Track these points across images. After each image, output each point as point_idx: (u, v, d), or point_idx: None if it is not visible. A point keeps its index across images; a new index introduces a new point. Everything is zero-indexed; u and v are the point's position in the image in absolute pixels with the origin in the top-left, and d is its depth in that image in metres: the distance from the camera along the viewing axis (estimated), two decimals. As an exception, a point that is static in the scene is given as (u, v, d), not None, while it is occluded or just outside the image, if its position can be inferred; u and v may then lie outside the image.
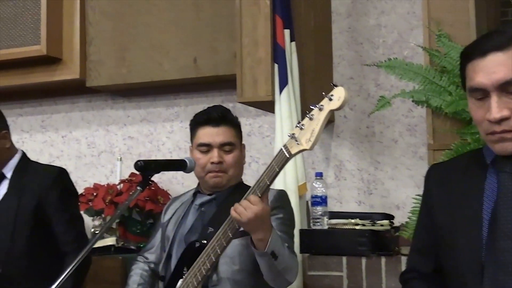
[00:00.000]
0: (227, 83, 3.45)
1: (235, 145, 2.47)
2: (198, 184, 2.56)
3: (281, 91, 2.93)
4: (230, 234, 2.15)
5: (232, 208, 2.11)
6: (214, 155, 2.42)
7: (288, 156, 2.01)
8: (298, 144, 1.97)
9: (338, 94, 1.90)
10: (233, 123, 2.51)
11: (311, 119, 1.95)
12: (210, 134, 2.44)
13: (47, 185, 2.73)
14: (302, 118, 2.00)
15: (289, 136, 2.01)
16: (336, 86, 1.92)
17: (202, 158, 2.43)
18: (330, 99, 1.91)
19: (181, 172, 3.62)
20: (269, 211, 2.14)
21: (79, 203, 3.09)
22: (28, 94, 4.03)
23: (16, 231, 2.68)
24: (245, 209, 2.07)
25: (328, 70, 3.43)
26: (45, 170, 2.84)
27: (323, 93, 1.94)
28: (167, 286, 2.36)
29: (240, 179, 2.55)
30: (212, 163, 2.42)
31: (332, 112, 1.93)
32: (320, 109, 1.93)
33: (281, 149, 2.03)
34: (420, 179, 3.16)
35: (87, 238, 2.84)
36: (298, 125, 1.98)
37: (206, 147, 2.44)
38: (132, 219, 3.41)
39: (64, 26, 3.70)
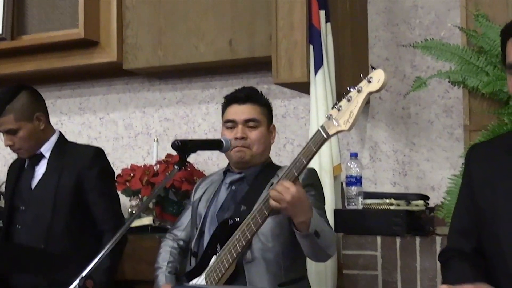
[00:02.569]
0: (262, 65, 3.46)
1: (260, 121, 2.51)
2: (228, 163, 2.60)
3: (316, 72, 2.94)
4: (266, 212, 2.18)
5: (269, 196, 2.13)
6: (238, 130, 2.47)
7: (325, 136, 2.04)
8: (336, 125, 1.99)
9: (378, 77, 1.91)
10: (260, 102, 2.55)
11: (349, 100, 1.96)
12: (235, 111, 2.50)
13: (85, 165, 2.79)
14: (339, 100, 2.00)
15: (326, 117, 2.03)
16: (375, 68, 1.92)
17: (227, 135, 2.48)
18: (369, 81, 1.92)
19: (216, 153, 3.72)
20: (304, 192, 2.16)
21: (116, 183, 3.15)
22: (67, 77, 4.09)
23: (56, 209, 2.75)
24: (282, 194, 2.10)
25: (363, 51, 3.42)
26: (83, 150, 2.90)
27: (361, 75, 1.94)
28: (200, 262, 2.41)
29: (267, 157, 2.58)
30: (236, 138, 2.46)
31: (370, 95, 1.94)
32: (359, 91, 1.94)
33: (319, 129, 2.06)
34: (456, 161, 3.18)
35: (123, 218, 2.90)
36: (335, 106, 1.99)
37: (231, 124, 2.49)
38: (169, 199, 3.46)
39: (101, 10, 3.73)
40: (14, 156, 3.01)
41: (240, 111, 2.49)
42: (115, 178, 3.21)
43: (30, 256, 2.46)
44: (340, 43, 3.13)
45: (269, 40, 3.22)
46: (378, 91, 1.92)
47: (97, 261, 1.88)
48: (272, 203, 2.13)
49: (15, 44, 3.85)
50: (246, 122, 2.48)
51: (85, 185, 2.77)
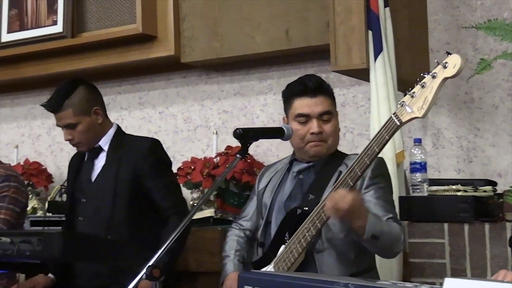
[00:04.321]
0: (319, 53, 3.43)
1: (333, 113, 2.47)
2: (293, 152, 2.57)
3: (376, 58, 2.90)
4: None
5: (326, 204, 2.13)
6: (314, 125, 2.41)
7: (398, 124, 2.02)
8: (409, 111, 1.96)
9: (454, 62, 1.88)
10: (329, 92, 2.50)
11: (423, 86, 1.94)
12: (308, 104, 2.43)
13: (142, 156, 2.82)
14: (412, 86, 1.97)
15: (399, 104, 2.01)
16: (450, 53, 1.90)
17: (301, 129, 2.42)
18: (445, 67, 1.89)
19: (275, 144, 3.70)
20: (360, 198, 2.16)
21: (174, 173, 3.17)
22: (126, 72, 4.14)
23: (116, 200, 2.79)
24: (339, 202, 2.09)
25: (423, 35, 3.34)
26: (140, 141, 2.94)
27: (436, 61, 1.92)
28: (267, 251, 2.40)
29: (336, 147, 2.54)
30: (312, 133, 2.41)
31: (446, 80, 1.90)
32: (433, 77, 1.91)
33: (391, 117, 2.04)
34: (523, 145, 3.09)
35: (185, 202, 2.91)
36: (408, 92, 1.97)
37: (305, 118, 2.43)
38: (229, 191, 3.47)
39: (158, 4, 3.77)
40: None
41: (313, 104, 2.42)
42: (176, 171, 3.22)
43: (94, 244, 2.49)
44: (398, 28, 3.07)
45: (325, 27, 3.18)
46: (453, 76, 1.89)
47: (163, 250, 1.89)
48: (330, 211, 2.13)
49: (76, 41, 3.94)
50: (320, 115, 2.43)
51: (142, 176, 2.80)
